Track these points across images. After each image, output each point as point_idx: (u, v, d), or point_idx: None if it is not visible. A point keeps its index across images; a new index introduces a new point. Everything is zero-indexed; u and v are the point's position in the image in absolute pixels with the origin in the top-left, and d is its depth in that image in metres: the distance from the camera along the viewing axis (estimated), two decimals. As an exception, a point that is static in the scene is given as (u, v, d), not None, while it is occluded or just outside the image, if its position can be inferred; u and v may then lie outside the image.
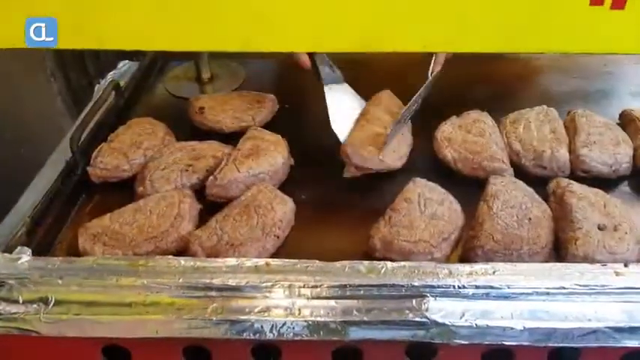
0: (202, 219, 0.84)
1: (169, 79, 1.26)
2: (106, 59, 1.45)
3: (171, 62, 1.32)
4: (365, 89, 1.06)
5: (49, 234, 0.81)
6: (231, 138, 0.99)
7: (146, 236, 0.77)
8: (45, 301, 0.65)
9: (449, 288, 0.64)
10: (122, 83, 1.15)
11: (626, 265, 0.66)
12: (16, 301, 0.66)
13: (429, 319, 0.62)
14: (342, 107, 1.00)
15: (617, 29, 0.47)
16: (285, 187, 0.90)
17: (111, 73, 1.24)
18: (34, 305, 0.65)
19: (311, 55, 1.03)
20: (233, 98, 1.08)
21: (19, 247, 0.72)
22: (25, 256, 0.69)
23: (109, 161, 0.92)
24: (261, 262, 0.67)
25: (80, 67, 1.65)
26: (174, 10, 0.55)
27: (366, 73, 1.12)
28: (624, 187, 0.90)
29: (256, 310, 0.64)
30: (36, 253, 0.72)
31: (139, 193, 0.87)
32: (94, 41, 0.62)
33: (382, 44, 0.51)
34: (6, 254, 0.70)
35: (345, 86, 1.04)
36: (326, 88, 1.01)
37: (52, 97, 1.58)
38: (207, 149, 0.94)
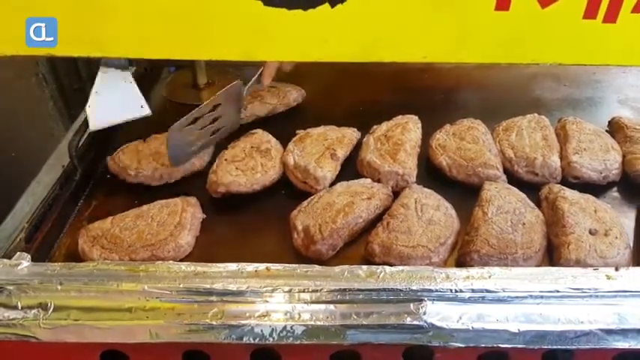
0: (204, 228, 0.85)
1: (166, 85, 1.27)
2: (99, 64, 1.45)
3: (167, 68, 1.33)
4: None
5: (47, 239, 0.81)
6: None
7: (144, 243, 0.78)
8: (44, 306, 0.65)
9: (446, 292, 0.65)
10: (118, 89, 1.15)
11: (616, 269, 0.67)
12: (15, 307, 0.65)
13: (426, 322, 0.63)
14: (111, 95, 0.87)
15: (609, 41, 0.48)
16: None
17: (106, 78, 1.24)
18: (33, 311, 0.65)
19: None
20: None
21: (18, 253, 0.71)
22: (24, 262, 0.69)
23: (123, 160, 0.94)
24: (262, 266, 0.68)
25: (72, 72, 1.64)
26: (177, 21, 0.56)
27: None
28: (614, 192, 0.92)
29: (256, 314, 0.65)
30: (34, 258, 0.72)
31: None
32: (94, 48, 0.62)
33: (382, 54, 0.52)
34: (5, 260, 0.70)
35: (127, 75, 0.89)
36: (101, 70, 0.87)
37: (44, 101, 1.57)
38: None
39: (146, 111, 0.90)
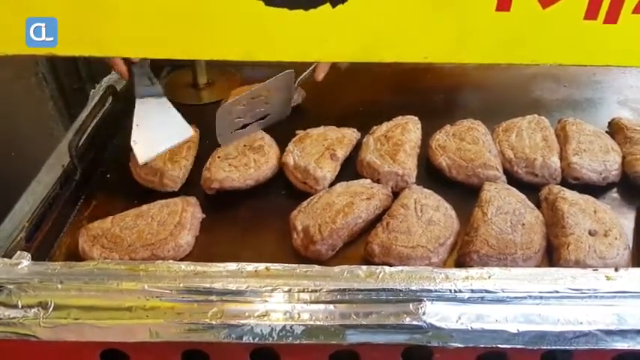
0: (204, 228, 0.85)
1: (166, 84, 1.27)
2: (99, 64, 1.45)
3: (167, 67, 1.33)
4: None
5: (47, 239, 0.82)
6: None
7: (143, 242, 0.78)
8: (44, 305, 0.65)
9: (445, 292, 0.65)
10: (118, 88, 1.15)
11: (616, 270, 0.67)
12: (15, 306, 0.66)
13: (425, 322, 0.63)
14: (151, 125, 0.88)
15: (609, 42, 0.48)
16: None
17: (106, 78, 1.24)
18: (34, 310, 0.65)
19: (128, 63, 0.92)
20: None
21: (18, 252, 0.71)
22: (24, 261, 0.69)
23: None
24: (261, 266, 0.68)
25: (72, 72, 1.64)
26: (178, 20, 0.56)
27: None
28: (613, 193, 0.92)
29: (256, 314, 0.65)
30: (34, 257, 0.72)
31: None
32: (94, 48, 0.62)
33: (384, 54, 0.52)
34: (5, 259, 0.70)
35: (164, 101, 0.92)
36: (138, 102, 0.90)
37: (44, 101, 1.57)
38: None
39: (190, 132, 0.91)
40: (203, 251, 0.82)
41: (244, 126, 0.97)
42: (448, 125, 1.00)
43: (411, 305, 0.64)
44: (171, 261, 0.71)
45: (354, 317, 0.64)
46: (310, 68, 1.04)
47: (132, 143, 0.85)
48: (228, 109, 0.92)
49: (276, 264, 0.69)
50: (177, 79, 1.29)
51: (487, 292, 0.65)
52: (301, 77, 1.05)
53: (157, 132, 0.88)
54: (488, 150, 0.93)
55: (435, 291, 0.65)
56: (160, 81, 1.28)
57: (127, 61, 0.92)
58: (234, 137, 0.96)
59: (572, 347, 0.64)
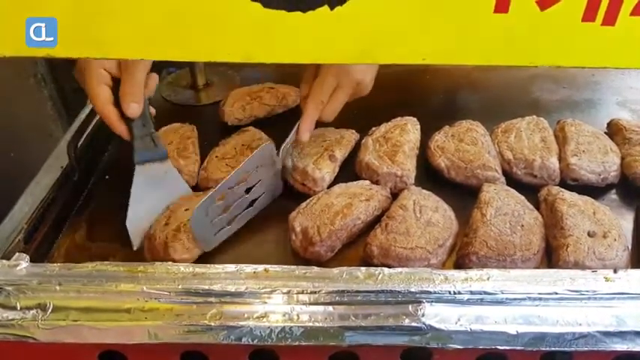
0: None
1: (164, 86, 1.27)
2: (98, 65, 1.44)
3: (165, 69, 1.33)
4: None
5: (46, 240, 0.82)
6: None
7: None
8: (43, 307, 0.65)
9: (444, 294, 0.65)
10: (118, 89, 1.14)
11: (615, 272, 0.67)
12: (14, 308, 0.65)
13: (425, 324, 0.63)
14: (148, 196, 0.79)
15: (607, 44, 0.49)
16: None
17: (105, 78, 1.24)
18: (32, 311, 0.65)
19: (128, 121, 0.79)
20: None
21: (17, 254, 0.71)
22: (23, 263, 0.69)
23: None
24: (260, 268, 0.68)
25: (71, 73, 1.64)
26: (177, 23, 0.56)
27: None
28: (612, 194, 0.92)
29: (254, 315, 0.65)
30: (33, 259, 0.72)
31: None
32: (94, 49, 0.62)
33: (381, 56, 0.52)
34: (4, 261, 0.70)
35: (166, 165, 0.82)
36: (138, 170, 0.79)
37: (43, 101, 1.57)
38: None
39: (187, 190, 0.86)
40: (202, 253, 0.82)
41: (230, 221, 0.81)
42: (447, 126, 1.00)
43: (410, 307, 0.64)
44: (169, 262, 0.71)
45: (353, 319, 0.64)
46: (292, 131, 0.89)
47: (127, 223, 0.77)
48: (202, 211, 0.75)
49: (275, 265, 0.68)
50: (176, 80, 1.29)
51: (486, 293, 0.65)
52: (285, 144, 0.88)
53: (152, 202, 0.80)
54: (487, 151, 0.93)
55: (434, 292, 0.65)
56: (158, 82, 1.29)
57: (126, 119, 0.79)
58: (220, 237, 0.81)
59: (572, 349, 0.63)
